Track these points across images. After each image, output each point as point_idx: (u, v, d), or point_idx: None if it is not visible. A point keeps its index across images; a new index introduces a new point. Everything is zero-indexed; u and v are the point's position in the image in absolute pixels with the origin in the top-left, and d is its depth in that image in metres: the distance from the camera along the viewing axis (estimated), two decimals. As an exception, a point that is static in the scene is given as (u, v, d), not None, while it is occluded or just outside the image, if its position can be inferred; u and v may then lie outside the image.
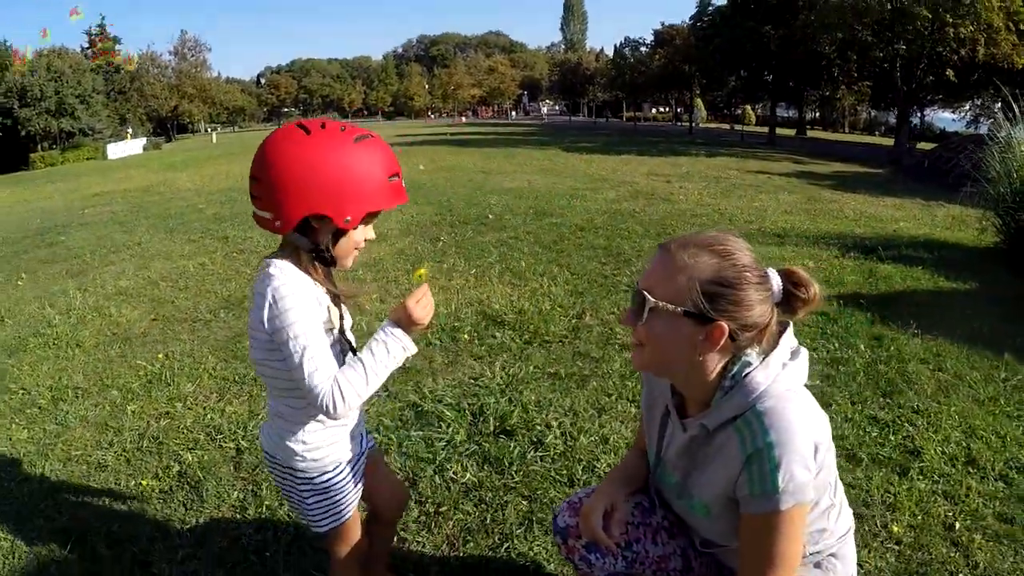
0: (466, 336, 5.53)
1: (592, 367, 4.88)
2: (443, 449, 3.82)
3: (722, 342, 1.65)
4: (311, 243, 1.90)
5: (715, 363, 1.71)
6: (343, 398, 1.82)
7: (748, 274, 1.66)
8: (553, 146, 30.94)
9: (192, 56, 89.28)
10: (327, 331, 1.93)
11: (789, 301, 1.72)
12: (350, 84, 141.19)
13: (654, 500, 2.11)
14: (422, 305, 2.01)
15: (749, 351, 1.70)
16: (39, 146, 54.93)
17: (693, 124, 58.69)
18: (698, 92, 64.75)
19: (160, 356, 5.41)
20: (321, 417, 2.02)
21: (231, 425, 4.21)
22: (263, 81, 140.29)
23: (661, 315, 1.66)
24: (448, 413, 4.20)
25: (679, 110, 77.15)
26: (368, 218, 1.93)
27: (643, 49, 74.16)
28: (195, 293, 7.38)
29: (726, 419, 1.70)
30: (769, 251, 8.57)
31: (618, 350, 5.18)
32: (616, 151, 27.74)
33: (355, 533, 2.26)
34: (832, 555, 1.90)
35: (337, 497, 2.14)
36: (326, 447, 2.08)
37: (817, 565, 1.88)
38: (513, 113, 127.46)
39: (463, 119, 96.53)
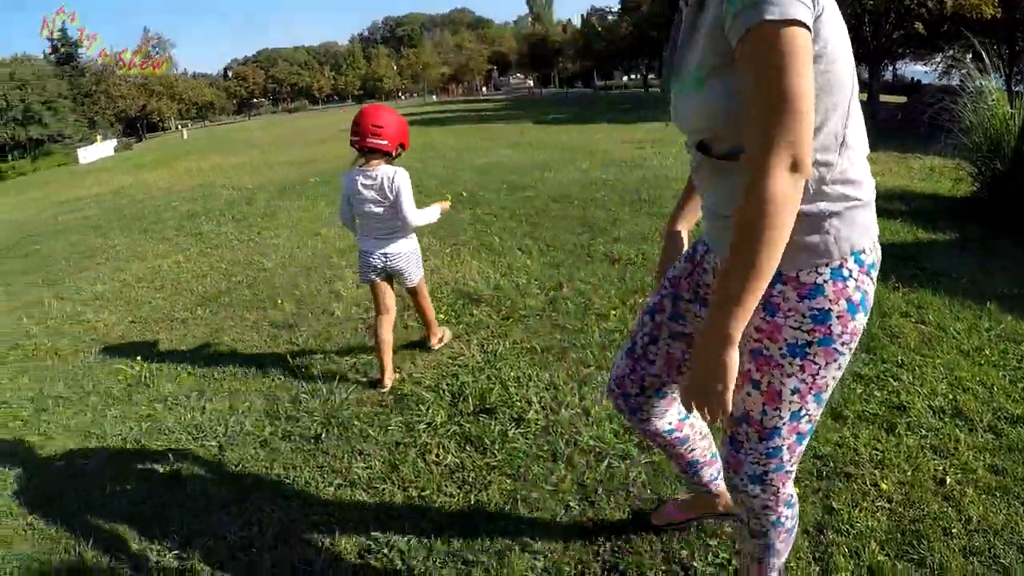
0: (442, 316, 5.51)
1: (571, 339, 4.87)
2: (424, 432, 3.84)
3: None
4: (392, 157, 4.16)
5: None
6: (416, 220, 4.19)
7: None
8: (524, 119, 30.96)
9: (156, 54, 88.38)
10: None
11: None
12: (318, 71, 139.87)
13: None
14: (446, 208, 4.52)
15: None
16: (8, 156, 54.36)
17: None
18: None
19: (139, 359, 5.38)
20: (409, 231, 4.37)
21: (212, 423, 4.20)
22: (230, 74, 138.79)
23: None
24: (427, 395, 4.22)
25: (649, 76, 76.51)
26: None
27: (610, 18, 73.54)
28: (171, 292, 7.35)
29: None
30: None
31: (595, 320, 5.18)
32: (588, 120, 27.68)
33: (424, 280, 4.66)
34: (835, 215, 1.67)
35: (420, 260, 4.52)
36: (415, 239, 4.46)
37: (815, 229, 1.66)
38: (484, 89, 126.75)
39: (434, 98, 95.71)
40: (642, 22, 57.16)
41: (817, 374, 1.74)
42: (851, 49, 1.64)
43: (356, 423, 3.99)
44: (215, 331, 5.90)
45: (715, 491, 2.68)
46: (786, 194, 1.44)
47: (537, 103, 53.62)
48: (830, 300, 1.68)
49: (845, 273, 1.68)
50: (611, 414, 3.76)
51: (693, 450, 2.48)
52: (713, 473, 2.60)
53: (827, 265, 1.67)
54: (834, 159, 1.65)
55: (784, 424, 1.81)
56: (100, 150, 51.09)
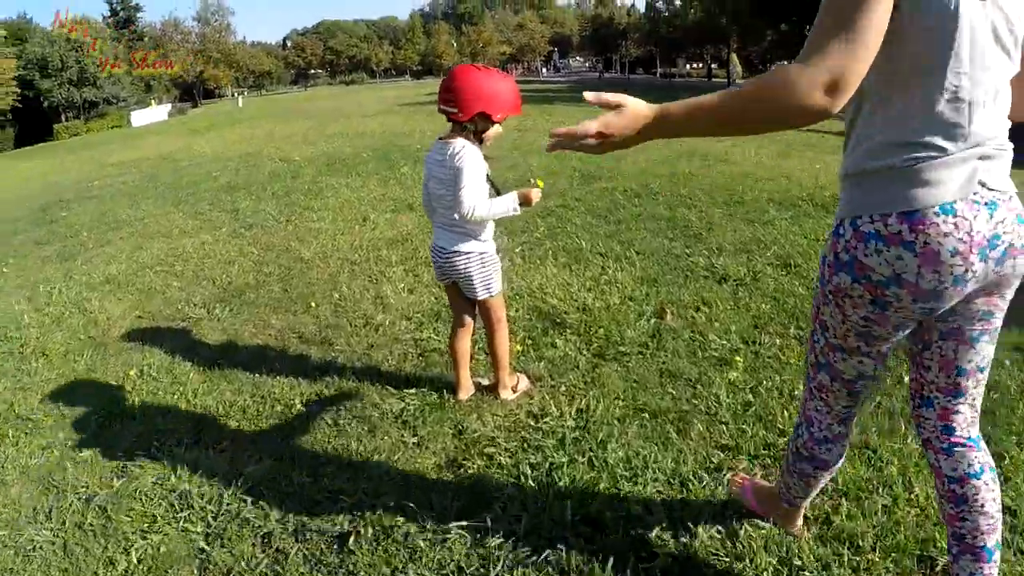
0: (519, 346, 4.38)
1: (690, 395, 3.71)
2: (496, 553, 2.63)
3: None
4: (474, 129, 3.32)
5: None
6: (476, 209, 3.26)
7: None
8: (585, 103, 29.38)
9: (215, 21, 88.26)
10: (483, 176, 3.32)
11: None
12: (377, 45, 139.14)
13: None
14: (536, 199, 3.52)
15: None
16: (63, 116, 54.30)
17: (731, 79, 56.52)
18: (735, 47, 62.47)
19: (132, 373, 4.32)
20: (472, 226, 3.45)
21: (203, 493, 3.09)
22: (289, 44, 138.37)
23: None
24: (500, 479, 3.06)
25: (713, 66, 74.80)
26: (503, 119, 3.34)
27: (677, 2, 71.94)
28: (190, 281, 6.30)
29: None
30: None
31: (716, 367, 4.01)
32: None
33: (503, 301, 3.77)
34: (851, 177, 1.78)
35: (496, 270, 3.60)
36: (487, 240, 3.55)
37: (858, 182, 1.76)
38: (544, 70, 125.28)
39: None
40: (711, 8, 55.43)
41: (819, 306, 1.95)
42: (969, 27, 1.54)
43: (391, 540, 2.75)
44: (230, 340, 4.85)
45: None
46: (807, 93, 1.43)
47: (601, 86, 52.05)
48: (828, 247, 1.84)
49: (840, 231, 1.78)
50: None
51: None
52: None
53: (837, 219, 1.80)
54: (870, 119, 1.69)
55: (809, 337, 2.11)
56: (154, 114, 50.83)
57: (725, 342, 4.35)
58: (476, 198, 3.24)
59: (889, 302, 1.73)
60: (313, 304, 5.40)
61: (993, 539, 2.00)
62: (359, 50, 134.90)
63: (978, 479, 1.99)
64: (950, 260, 1.62)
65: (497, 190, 3.43)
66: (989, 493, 1.98)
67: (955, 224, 1.61)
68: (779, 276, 5.60)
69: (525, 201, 3.43)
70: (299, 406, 3.84)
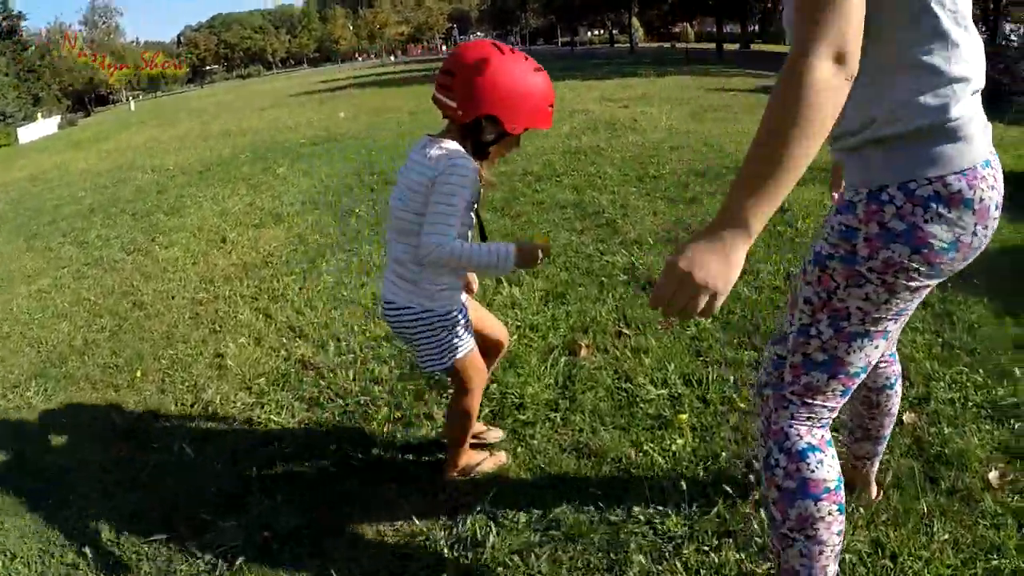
0: (380, 417, 3.24)
1: (620, 491, 2.65)
2: None
3: None
4: (476, 137, 2.33)
5: None
6: (443, 253, 2.23)
7: None
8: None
9: (104, 23, 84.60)
10: (467, 206, 2.33)
11: None
12: (273, 34, 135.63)
13: None
14: (535, 256, 2.37)
15: None
16: (-57, 138, 51.15)
17: (633, 45, 55.74)
18: (635, 11, 61.75)
19: None
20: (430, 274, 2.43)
21: None
22: (182, 41, 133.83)
23: None
24: None
25: (614, 32, 74.15)
26: (525, 131, 2.36)
27: (576, -31, 70.97)
28: (13, 348, 4.79)
29: None
30: (798, 193, 6.35)
31: (654, 431, 2.96)
32: (559, 77, 24.75)
33: (480, 362, 2.66)
34: (879, 141, 1.54)
35: (458, 330, 2.55)
36: (448, 292, 2.51)
37: (858, 154, 1.61)
38: (444, 48, 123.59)
39: (392, 59, 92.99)
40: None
41: (834, 292, 1.64)
42: None
43: None
44: (30, 440, 3.57)
45: (863, 473, 2.46)
46: (826, 80, 1.32)
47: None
48: (859, 219, 1.57)
49: (884, 198, 1.54)
50: None
51: (874, 419, 2.28)
52: (874, 453, 2.39)
53: (866, 188, 1.57)
54: (903, 71, 1.50)
55: (792, 334, 1.75)
56: (43, 128, 47.61)
57: (661, 390, 3.27)
58: (448, 234, 2.27)
59: (943, 269, 1.58)
60: (139, 373, 4.10)
61: (890, 429, 2.31)
62: (253, 41, 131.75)
63: (891, 389, 2.21)
64: (994, 214, 1.57)
65: (483, 230, 2.57)
66: (896, 398, 2.23)
67: (994, 176, 1.56)
68: None
69: (526, 259, 2.36)
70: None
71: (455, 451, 2.83)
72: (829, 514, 1.74)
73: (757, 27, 74.98)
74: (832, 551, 1.77)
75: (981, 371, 3.27)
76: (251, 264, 5.82)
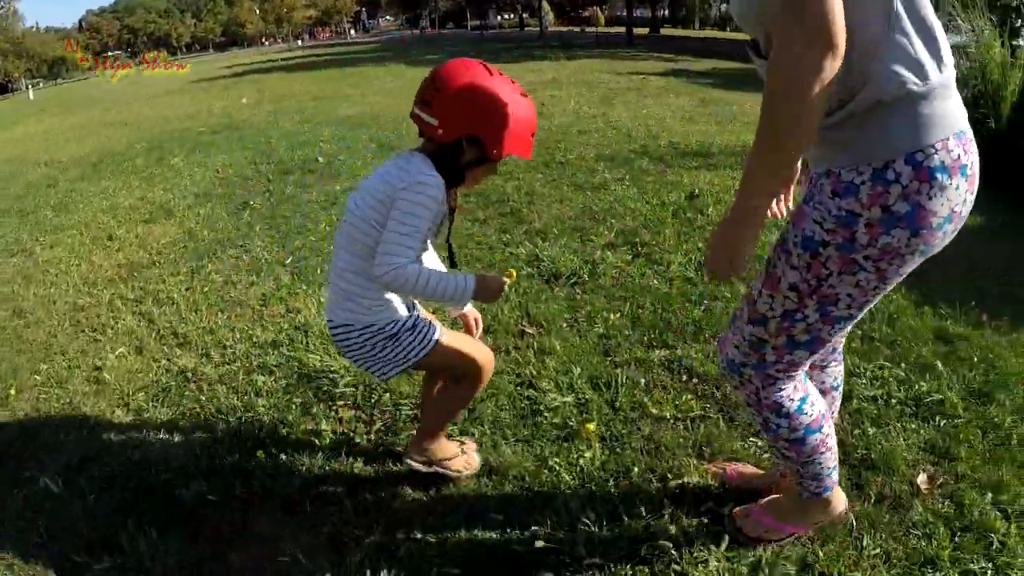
0: (264, 435, 2.94)
1: (525, 499, 2.49)
2: None
3: None
4: (454, 158, 2.20)
5: None
6: (398, 277, 2.10)
7: None
8: (396, 62, 27.50)
9: (2, 8, 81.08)
10: (428, 229, 2.20)
11: None
12: (178, 18, 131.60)
13: None
14: (498, 290, 2.28)
15: None
16: None
17: (543, 28, 55.55)
18: (545, -6, 61.60)
19: None
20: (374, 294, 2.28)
21: None
22: (83, 25, 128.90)
23: None
24: None
25: (524, 16, 73.99)
26: (504, 157, 2.21)
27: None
28: None
29: None
30: (702, 176, 6.23)
31: (560, 443, 2.75)
32: None
33: (465, 344, 2.44)
34: (880, 107, 1.47)
35: (408, 336, 2.32)
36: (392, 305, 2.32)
37: (854, 123, 1.51)
38: (352, 32, 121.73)
39: (299, 43, 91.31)
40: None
41: (824, 280, 1.62)
42: None
43: None
44: None
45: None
46: (811, 66, 1.34)
47: (411, 44, 49.99)
48: (861, 204, 1.51)
49: (890, 176, 1.48)
50: None
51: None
52: None
53: (869, 165, 1.50)
54: (879, 38, 1.45)
55: (774, 317, 1.74)
56: (-66, 125, 45.39)
57: (567, 396, 3.04)
58: (406, 256, 2.15)
59: (934, 247, 1.57)
60: (13, 391, 3.63)
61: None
62: (158, 26, 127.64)
63: (837, 391, 2.25)
64: (977, 180, 1.57)
65: (452, 257, 2.45)
66: (839, 400, 2.29)
67: (973, 141, 1.56)
68: (624, 264, 4.35)
69: (486, 293, 2.27)
70: None
71: (427, 436, 2.57)
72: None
73: (667, 12, 75.72)
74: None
75: (903, 365, 3.15)
76: (137, 264, 5.35)
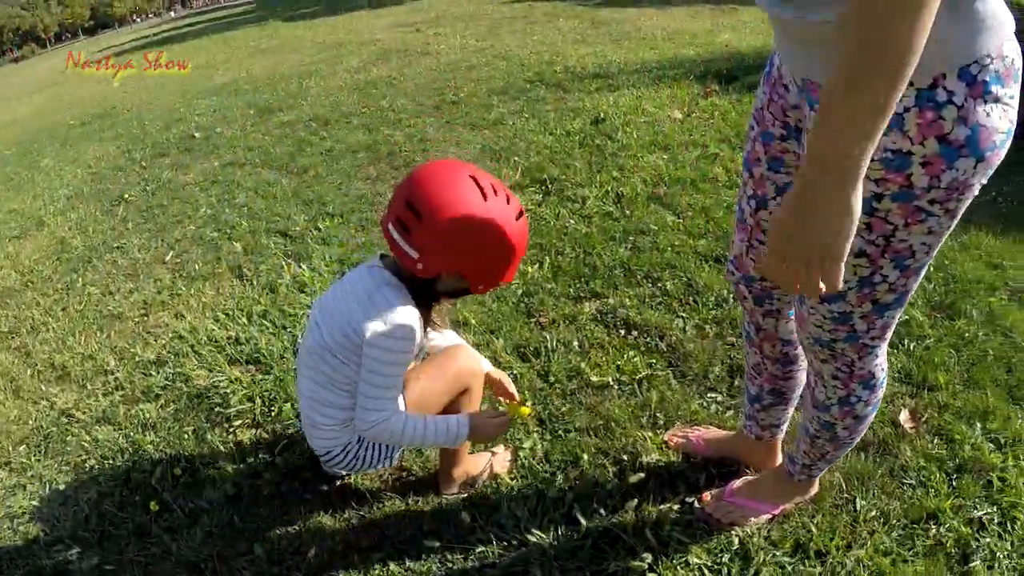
0: (155, 481, 2.51)
1: (462, 560, 2.09)
2: None
3: None
4: (431, 286, 1.95)
5: None
6: (382, 432, 1.92)
7: None
8: (272, 19, 26.37)
9: None
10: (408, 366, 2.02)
11: None
12: (43, 8, 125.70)
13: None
14: (498, 432, 2.04)
15: None
16: None
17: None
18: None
19: None
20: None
21: None
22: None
23: None
24: None
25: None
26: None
27: None
28: None
29: None
30: (605, 98, 5.83)
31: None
32: (346, 8, 23.38)
33: (433, 392, 2.13)
34: (921, 7, 0.96)
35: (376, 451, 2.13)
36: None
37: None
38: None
39: (172, 14, 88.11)
40: None
41: (892, 235, 1.34)
42: None
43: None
44: None
45: (770, 442, 2.17)
46: None
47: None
48: (911, 139, 1.20)
49: (940, 97, 1.16)
50: None
51: (791, 378, 2.00)
52: (784, 418, 2.12)
53: (912, 85, 1.16)
54: None
55: (851, 288, 1.45)
56: None
57: None
58: (388, 408, 1.95)
59: (996, 168, 1.27)
60: None
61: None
62: (22, 20, 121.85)
63: None
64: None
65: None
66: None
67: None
68: (535, 206, 3.98)
69: (486, 435, 2.07)
70: None
71: (449, 463, 2.25)
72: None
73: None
74: None
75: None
76: (9, 289, 4.62)
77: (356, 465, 2.12)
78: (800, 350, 1.99)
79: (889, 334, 1.62)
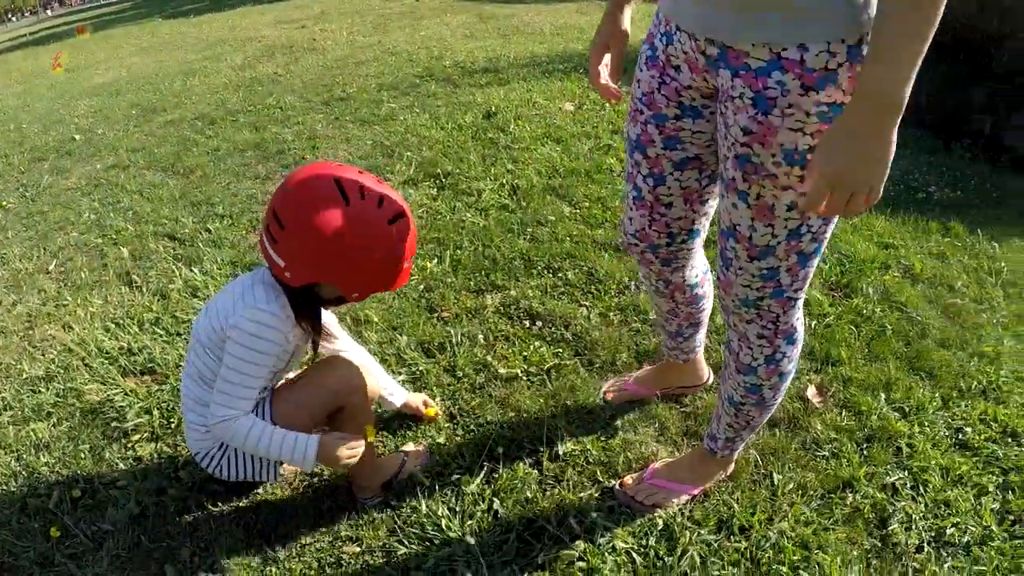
0: (52, 505, 2.38)
1: None
2: None
3: None
4: (307, 296, 1.89)
5: None
6: (225, 431, 1.86)
7: None
8: (152, 16, 25.59)
9: None
10: (271, 370, 1.93)
11: None
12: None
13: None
14: (349, 456, 1.91)
15: None
16: None
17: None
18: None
19: None
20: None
21: None
22: None
23: None
24: None
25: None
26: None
27: None
28: None
29: None
30: (495, 92, 5.87)
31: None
32: (229, 4, 22.79)
33: (314, 403, 2.01)
34: None
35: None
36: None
37: None
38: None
39: (49, 12, 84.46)
40: None
41: None
42: None
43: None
44: None
45: (694, 359, 2.39)
46: None
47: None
48: (843, 91, 1.31)
49: (865, 52, 1.27)
50: None
51: (703, 309, 2.19)
52: (702, 337, 2.33)
53: (843, 41, 1.28)
54: None
55: (779, 243, 1.55)
56: None
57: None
58: (238, 407, 1.88)
59: None
60: None
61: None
62: None
63: (706, 273, 2.14)
64: None
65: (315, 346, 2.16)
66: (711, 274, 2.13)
67: None
68: (430, 200, 4.00)
69: (336, 460, 1.92)
70: None
71: (360, 469, 2.09)
72: None
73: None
74: None
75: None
76: None
77: (236, 469, 2.06)
78: (706, 287, 2.13)
79: (807, 286, 1.70)
